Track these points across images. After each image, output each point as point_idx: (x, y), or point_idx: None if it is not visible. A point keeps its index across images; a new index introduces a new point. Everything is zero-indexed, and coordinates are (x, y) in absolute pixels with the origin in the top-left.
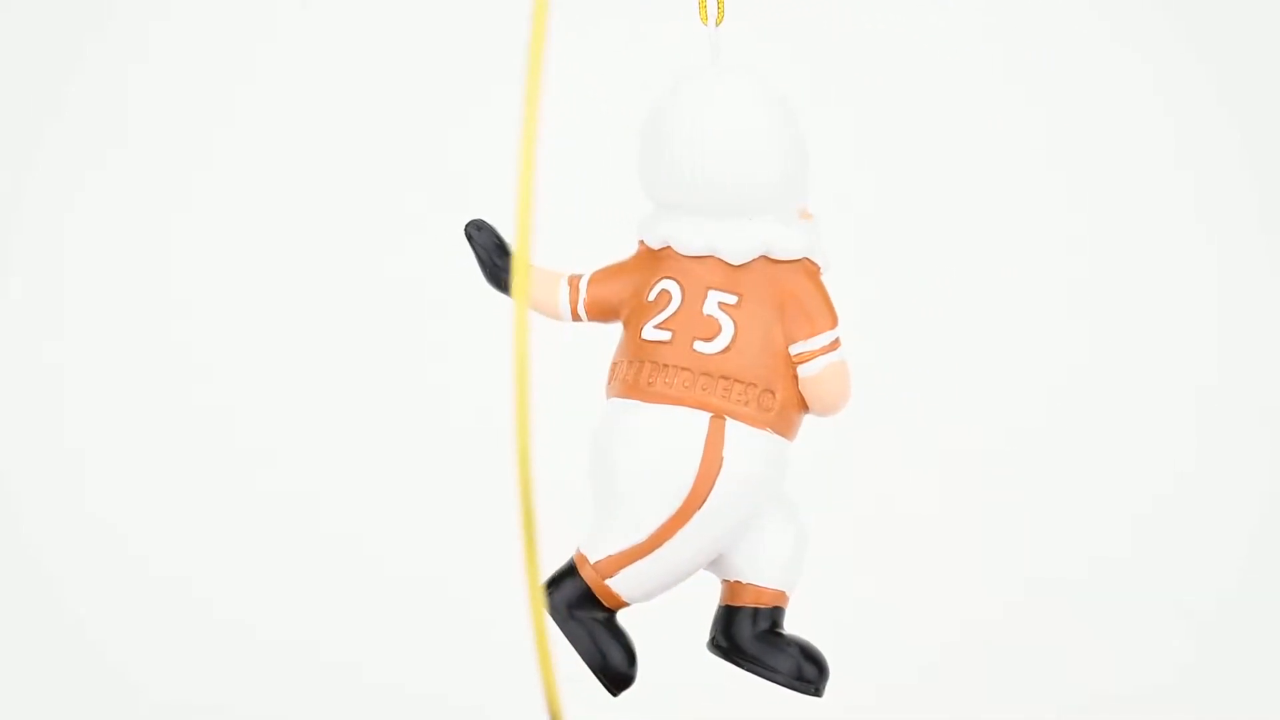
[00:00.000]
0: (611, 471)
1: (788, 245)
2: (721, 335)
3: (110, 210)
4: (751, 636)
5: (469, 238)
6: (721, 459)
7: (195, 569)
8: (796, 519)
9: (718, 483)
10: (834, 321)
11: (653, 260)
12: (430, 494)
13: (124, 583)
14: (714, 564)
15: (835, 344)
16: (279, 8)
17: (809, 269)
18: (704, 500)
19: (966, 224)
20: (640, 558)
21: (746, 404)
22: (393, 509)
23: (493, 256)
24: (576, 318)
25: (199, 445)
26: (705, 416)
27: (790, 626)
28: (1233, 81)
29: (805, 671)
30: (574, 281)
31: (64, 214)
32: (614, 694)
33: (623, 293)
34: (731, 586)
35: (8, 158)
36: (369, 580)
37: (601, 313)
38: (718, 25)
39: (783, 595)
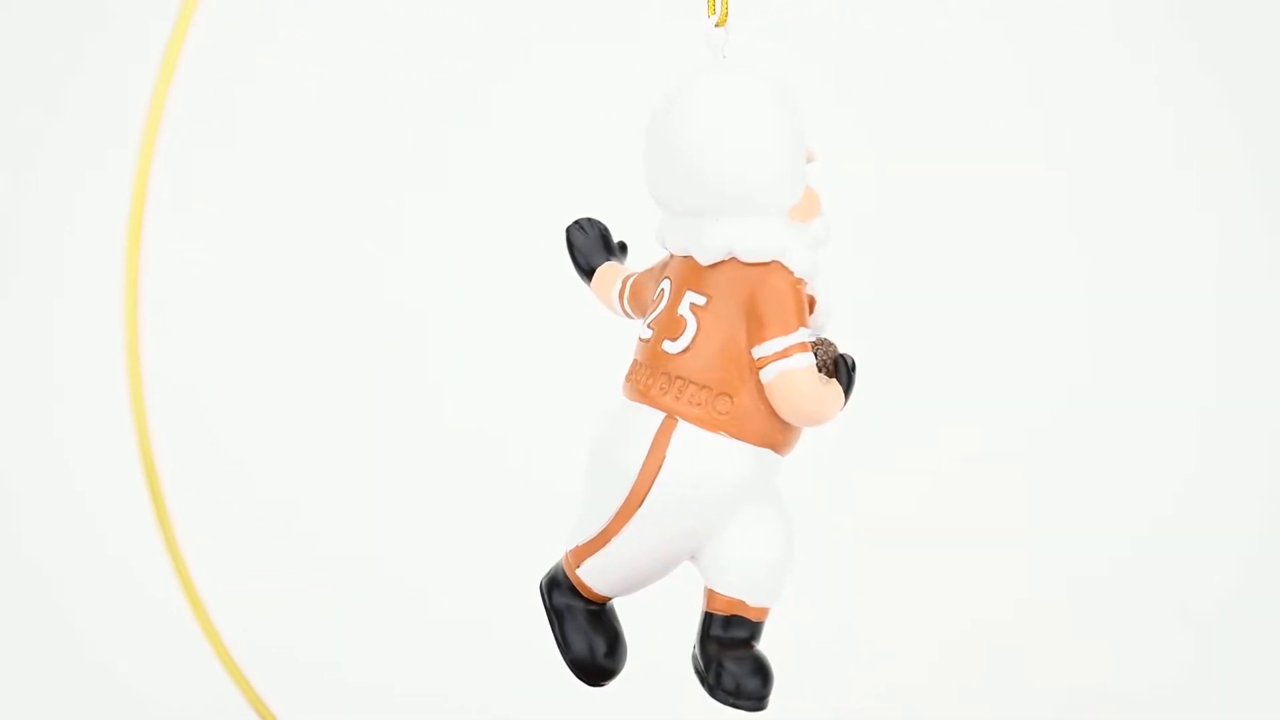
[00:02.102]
0: (586, 465)
1: (752, 246)
2: (684, 336)
3: (110, 210)
4: (710, 644)
5: (569, 234)
6: (663, 459)
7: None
8: (776, 530)
9: (656, 482)
10: (790, 328)
11: (667, 260)
12: (423, 494)
13: (119, 584)
14: (698, 567)
15: (790, 350)
16: (277, 8)
17: (779, 272)
18: (643, 498)
19: (970, 225)
20: (596, 551)
21: (698, 405)
22: (387, 511)
23: (588, 255)
24: (625, 313)
25: (194, 446)
26: (659, 416)
27: (792, 627)
28: (1237, 85)
29: (745, 687)
30: (625, 279)
31: (63, 214)
32: (589, 684)
33: (645, 290)
34: (705, 591)
35: (7, 158)
36: (364, 582)
37: (637, 309)
38: (719, 26)
39: (743, 604)
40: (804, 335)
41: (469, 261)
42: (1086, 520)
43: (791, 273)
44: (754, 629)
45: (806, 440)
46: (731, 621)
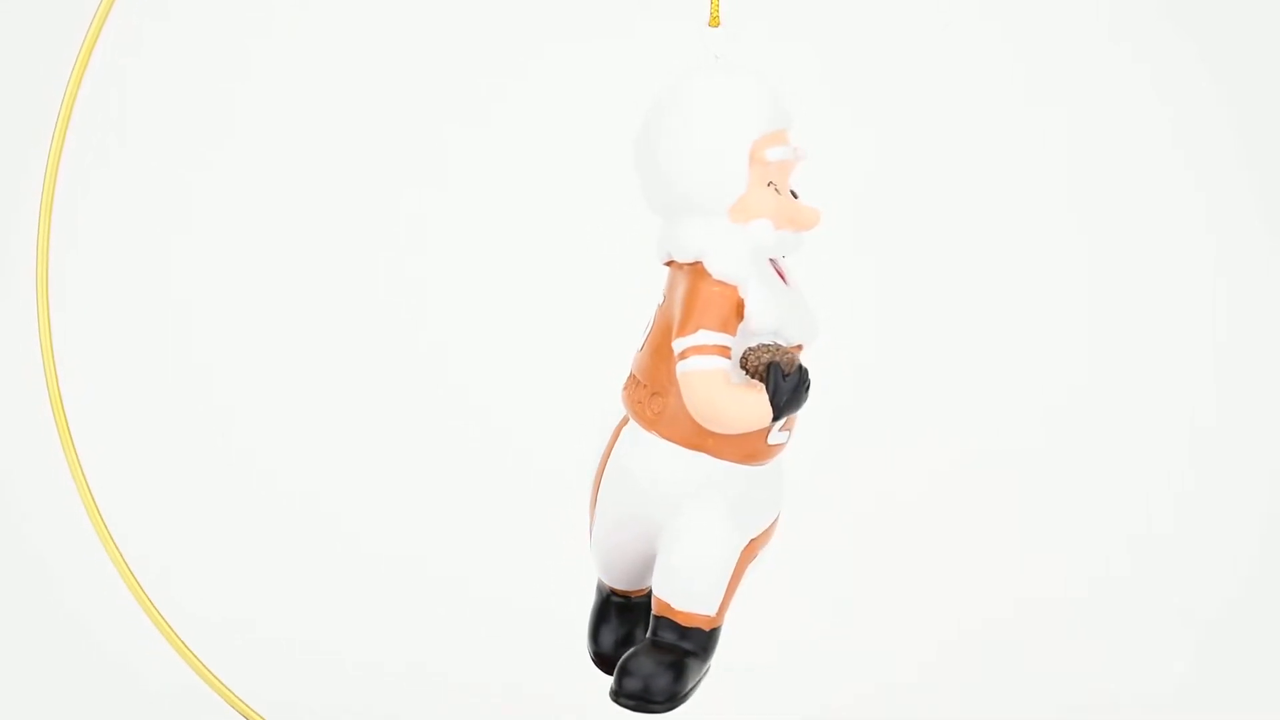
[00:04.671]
0: None
1: (679, 247)
2: (643, 335)
3: (113, 209)
4: (641, 643)
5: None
6: (609, 455)
7: (195, 564)
8: (707, 536)
9: (603, 477)
10: (692, 329)
11: None
12: (430, 489)
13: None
14: None
15: (687, 353)
16: (277, 8)
17: (698, 273)
18: (597, 490)
19: (973, 228)
20: (590, 540)
21: (639, 404)
22: (393, 505)
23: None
24: None
25: (198, 442)
26: (621, 414)
27: (792, 626)
28: (1239, 89)
29: (654, 685)
30: None
31: (66, 213)
32: (604, 672)
33: None
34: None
35: (9, 158)
36: (365, 573)
37: None
38: (711, 26)
39: (669, 606)
40: (708, 338)
41: (470, 261)
42: (1087, 521)
43: (710, 274)
44: (697, 639)
45: (807, 439)
46: (662, 624)
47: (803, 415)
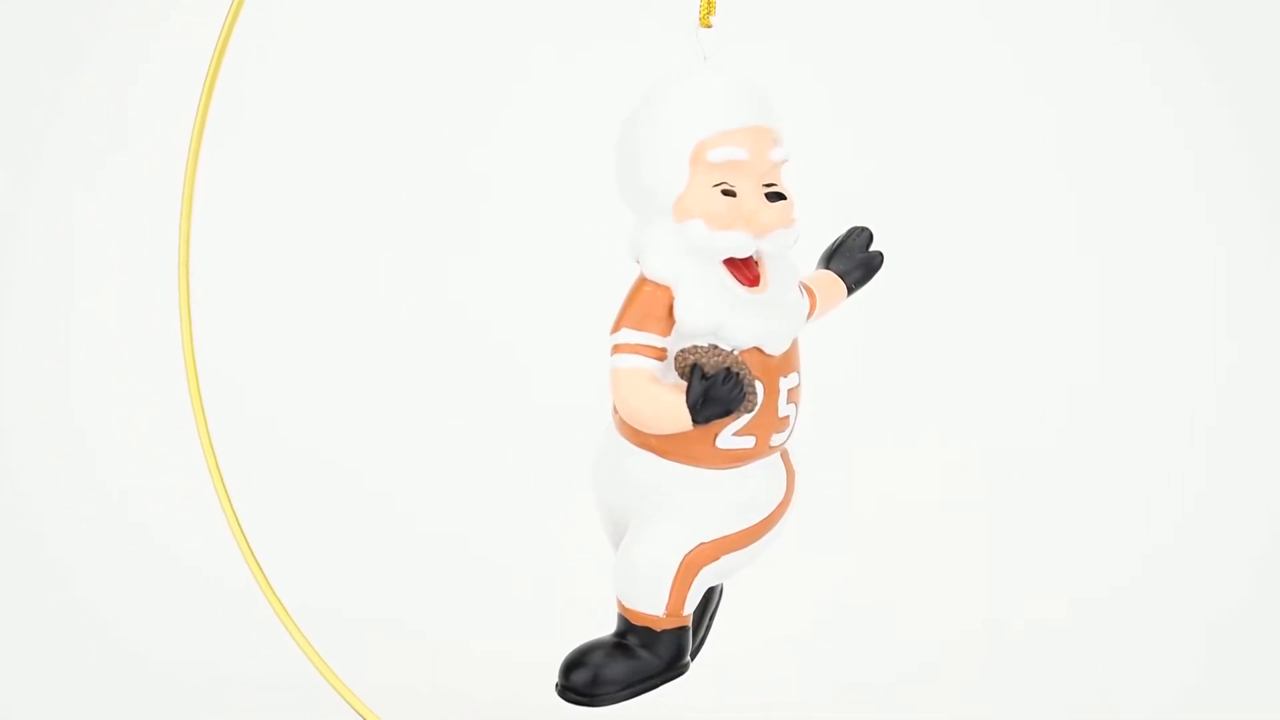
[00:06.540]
0: None
1: (630, 245)
2: None
3: (118, 209)
4: (600, 638)
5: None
6: (597, 449)
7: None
8: (651, 536)
9: (592, 471)
10: (615, 327)
11: None
12: (441, 480)
13: (142, 567)
14: None
15: (612, 350)
16: (281, 9)
17: (638, 272)
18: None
19: (973, 228)
20: None
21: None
22: (404, 495)
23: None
24: None
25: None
26: None
27: (794, 622)
28: (1240, 88)
29: (605, 674)
30: None
31: (71, 213)
32: None
33: None
34: None
35: (14, 158)
36: (370, 558)
37: None
38: (703, 27)
39: (620, 602)
40: (630, 337)
41: (479, 261)
42: (1088, 521)
43: (642, 275)
44: (657, 644)
45: (808, 438)
46: (620, 620)
47: (803, 416)
